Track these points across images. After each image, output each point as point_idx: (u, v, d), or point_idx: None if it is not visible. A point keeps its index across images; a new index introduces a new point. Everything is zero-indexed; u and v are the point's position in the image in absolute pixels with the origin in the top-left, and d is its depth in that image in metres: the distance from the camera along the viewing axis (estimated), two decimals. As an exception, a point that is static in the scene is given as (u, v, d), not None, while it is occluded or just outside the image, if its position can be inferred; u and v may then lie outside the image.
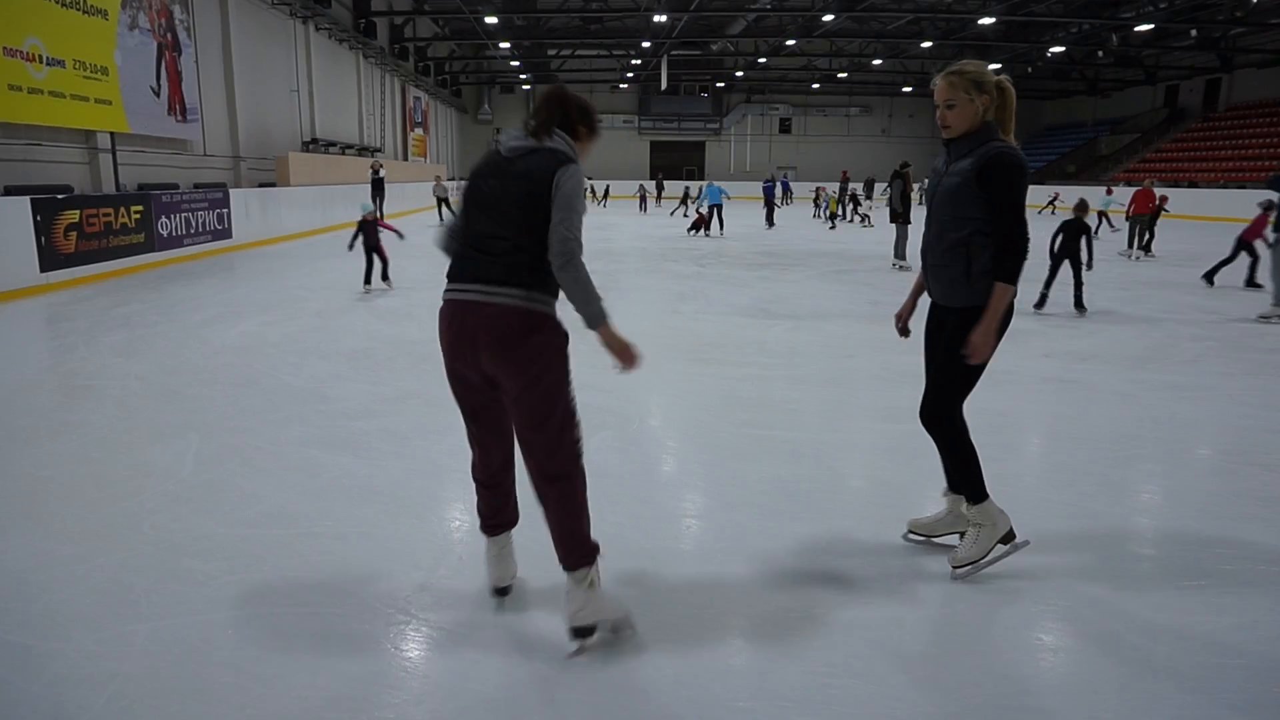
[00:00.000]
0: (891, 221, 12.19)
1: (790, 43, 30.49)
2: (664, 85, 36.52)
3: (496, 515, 2.58)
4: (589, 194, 30.75)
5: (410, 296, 8.75)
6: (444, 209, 20.68)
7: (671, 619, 2.52)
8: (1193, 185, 27.58)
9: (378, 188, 18.97)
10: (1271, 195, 9.03)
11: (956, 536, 2.96)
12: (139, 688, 2.16)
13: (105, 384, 5.24)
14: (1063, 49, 30.59)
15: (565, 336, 2.34)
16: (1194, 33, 28.19)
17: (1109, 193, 19.75)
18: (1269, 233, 9.43)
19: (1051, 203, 28.12)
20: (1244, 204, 21.85)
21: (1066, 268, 7.96)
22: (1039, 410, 4.91)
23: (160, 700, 2.11)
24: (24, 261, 8.86)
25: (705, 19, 29.05)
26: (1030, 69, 35.57)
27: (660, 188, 33.25)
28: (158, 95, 13.39)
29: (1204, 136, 32.12)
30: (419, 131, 33.62)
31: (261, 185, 16.63)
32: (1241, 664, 2.31)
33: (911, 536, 3.05)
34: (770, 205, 21.72)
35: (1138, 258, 13.95)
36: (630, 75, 39.49)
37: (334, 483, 3.59)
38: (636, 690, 2.18)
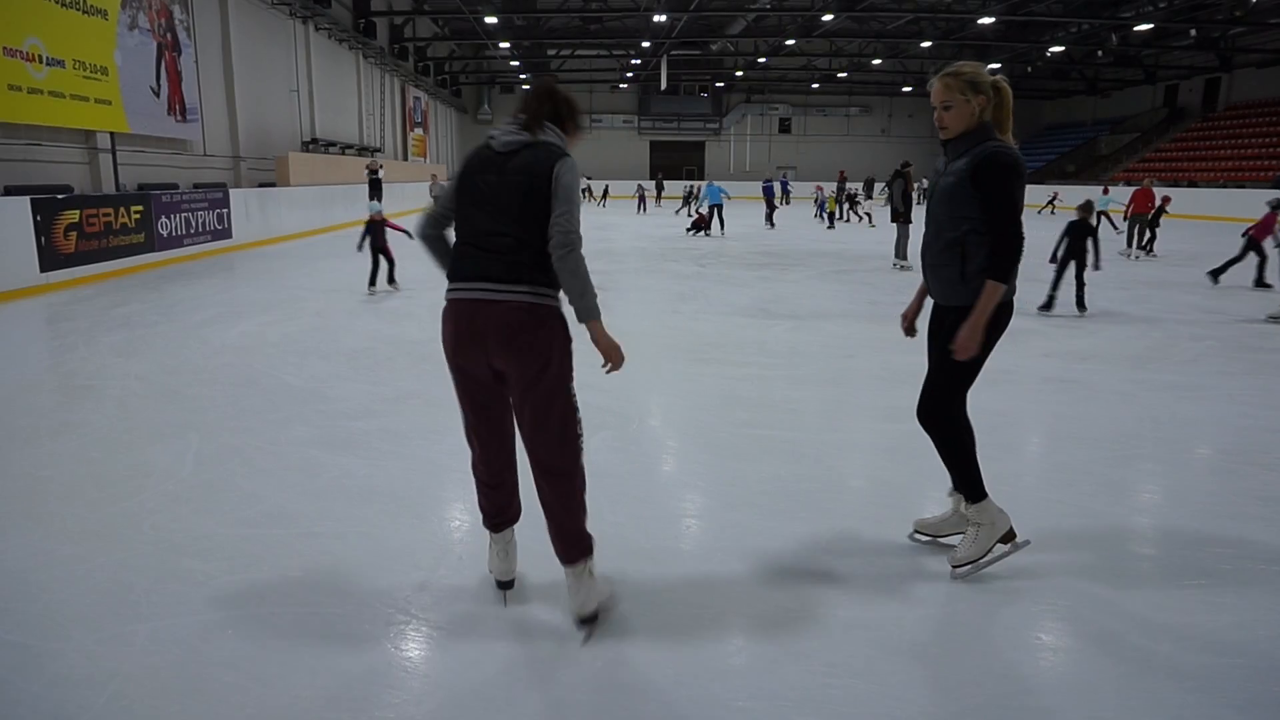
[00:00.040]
0: (893, 221, 12.18)
1: (790, 43, 30.48)
2: (664, 85, 36.51)
3: (501, 512, 2.59)
4: (586, 193, 30.75)
5: (410, 296, 8.75)
6: None
7: (671, 619, 2.52)
8: (1192, 185, 27.59)
9: (375, 188, 18.87)
10: None
11: (960, 536, 2.97)
12: (139, 687, 2.16)
13: (105, 384, 5.24)
14: (1062, 49, 30.60)
15: (568, 331, 2.37)
16: (1193, 32, 28.19)
17: (1105, 192, 19.74)
18: (1279, 231, 9.44)
19: (1051, 202, 28.13)
20: (1244, 204, 21.91)
21: (1071, 267, 7.94)
22: (1039, 410, 4.91)
23: (160, 700, 2.11)
24: (24, 261, 8.86)
25: (705, 19, 29.05)
26: (1030, 69, 35.58)
27: (660, 188, 33.21)
28: (157, 95, 13.39)
29: (1203, 136, 32.12)
30: (419, 131, 33.63)
31: (261, 185, 16.63)
32: (1241, 663, 2.31)
33: (917, 536, 3.05)
34: (770, 205, 21.73)
35: (1137, 257, 13.95)
36: (630, 75, 39.50)
37: (334, 483, 3.59)
38: (637, 690, 2.18)
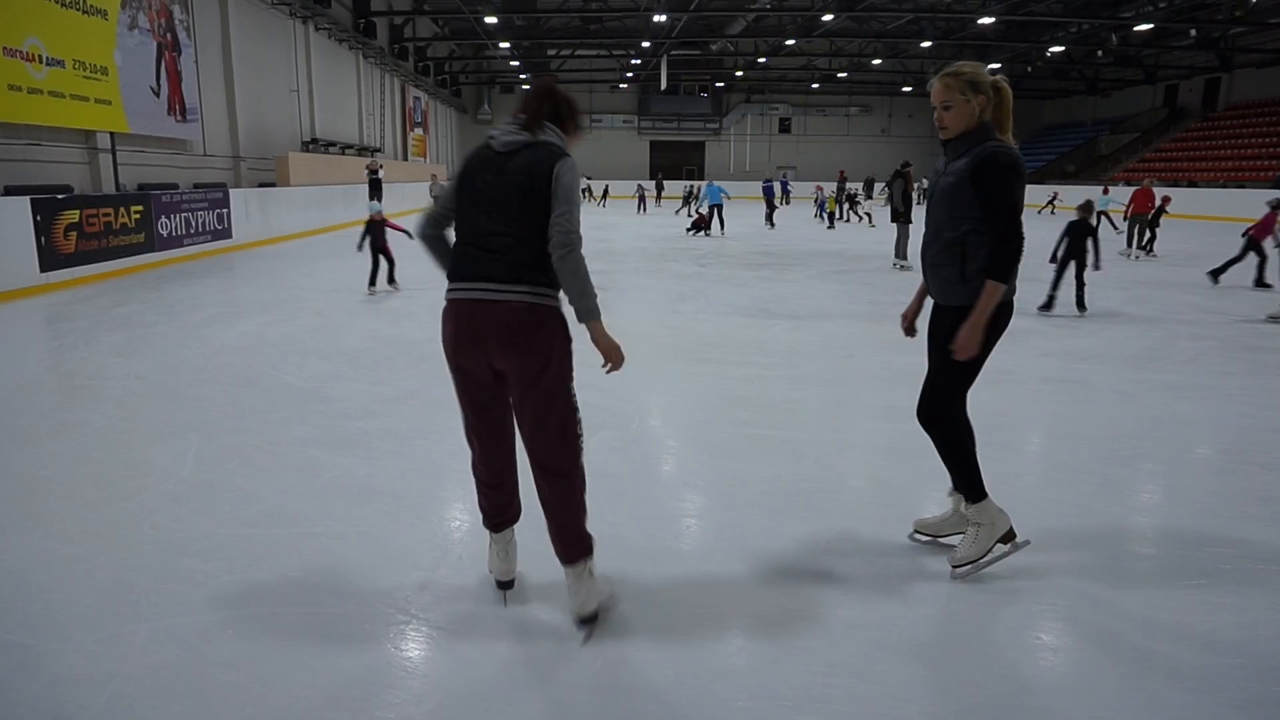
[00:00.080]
0: (893, 221, 12.18)
1: (790, 43, 30.46)
2: (664, 85, 36.50)
3: (501, 512, 2.59)
4: (586, 194, 30.74)
5: (410, 296, 8.74)
6: None
7: (671, 619, 2.52)
8: (1192, 185, 27.59)
9: (375, 188, 18.81)
10: None
11: (960, 536, 2.97)
12: (139, 687, 2.16)
13: (105, 384, 5.24)
14: (1062, 49, 30.59)
15: (568, 331, 2.38)
16: (1193, 32, 28.19)
17: (1105, 192, 19.73)
18: (1279, 231, 9.43)
19: (1051, 202, 28.12)
20: (1244, 204, 21.91)
21: (1071, 267, 7.93)
22: (1039, 410, 4.91)
23: (160, 700, 2.11)
24: (24, 261, 8.86)
25: (705, 19, 29.05)
26: (1030, 69, 35.57)
27: (660, 188, 33.18)
28: (157, 95, 13.39)
29: (1203, 136, 32.12)
30: (419, 131, 33.62)
31: (261, 185, 16.63)
32: (1241, 663, 2.31)
33: (917, 536, 3.05)
34: (770, 205, 21.74)
35: (1137, 257, 13.95)
36: (630, 75, 39.49)
37: (334, 483, 3.59)
38: (637, 690, 2.18)
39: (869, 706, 2.12)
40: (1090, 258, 7.80)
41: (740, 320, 7.74)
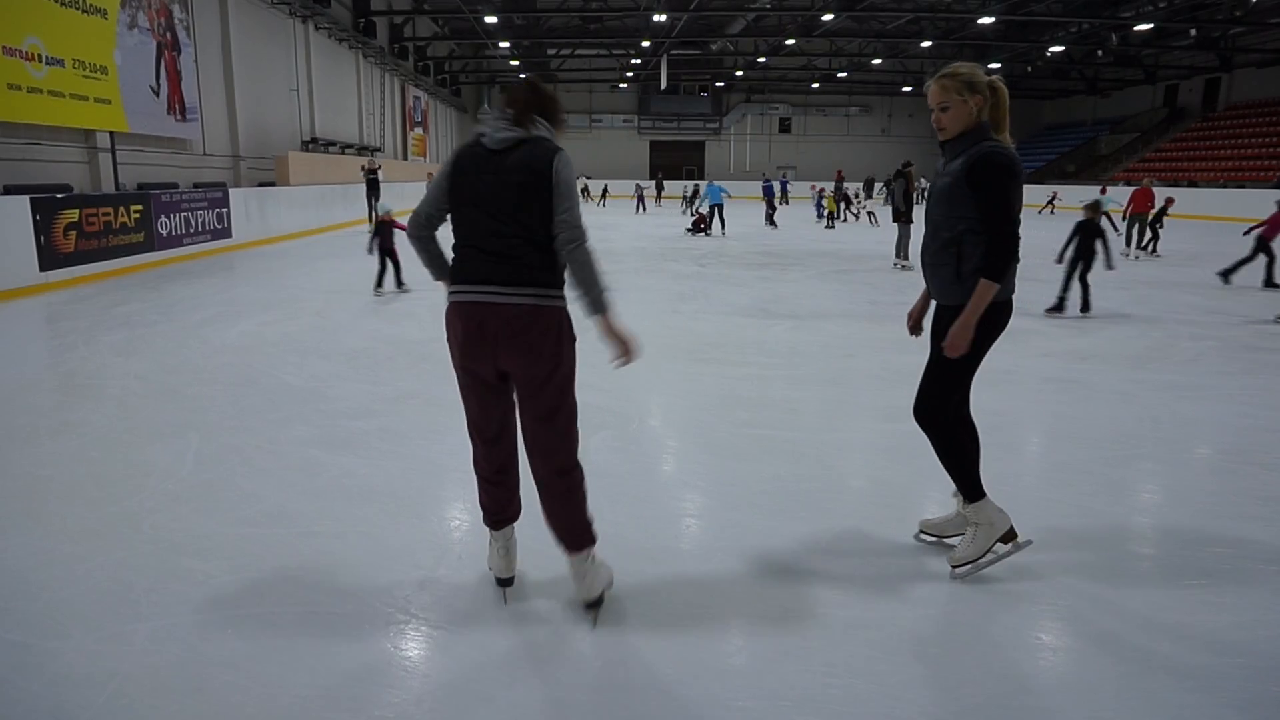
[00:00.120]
0: (894, 221, 12.19)
1: (790, 42, 30.47)
2: (664, 85, 36.49)
3: (502, 510, 2.60)
4: (585, 194, 30.74)
5: (411, 297, 8.74)
6: None
7: (671, 619, 2.52)
8: (1192, 185, 27.60)
9: (373, 188, 18.44)
10: None
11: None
12: (139, 687, 2.16)
13: (105, 383, 5.24)
14: (1062, 48, 30.60)
15: (574, 330, 2.40)
16: (1193, 32, 28.20)
17: (1104, 192, 19.73)
18: None
19: (1050, 202, 28.13)
20: (1244, 203, 21.91)
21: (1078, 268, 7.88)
22: (1039, 410, 4.91)
23: (160, 699, 2.11)
24: (23, 261, 8.86)
25: (705, 18, 29.05)
26: (1030, 68, 35.58)
27: (660, 188, 33.15)
28: (157, 94, 13.39)
29: (1203, 136, 32.12)
30: (419, 131, 33.61)
31: (261, 185, 16.62)
32: (1241, 663, 2.31)
33: (923, 537, 3.06)
34: (771, 205, 21.75)
35: (1137, 257, 13.94)
36: (630, 75, 39.47)
37: (334, 482, 3.59)
38: (637, 689, 2.18)
39: (869, 706, 2.12)
40: (1101, 257, 7.76)
41: (740, 320, 7.74)
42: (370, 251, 8.78)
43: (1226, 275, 9.95)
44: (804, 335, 7.09)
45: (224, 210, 13.60)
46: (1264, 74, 30.50)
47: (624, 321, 2.41)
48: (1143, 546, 3.10)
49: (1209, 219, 23.86)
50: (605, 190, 34.34)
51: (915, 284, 8.65)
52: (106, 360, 5.85)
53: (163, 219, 11.73)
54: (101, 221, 10.24)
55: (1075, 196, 26.35)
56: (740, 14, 28.22)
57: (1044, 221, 22.40)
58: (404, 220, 2.66)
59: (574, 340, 2.39)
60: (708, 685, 2.19)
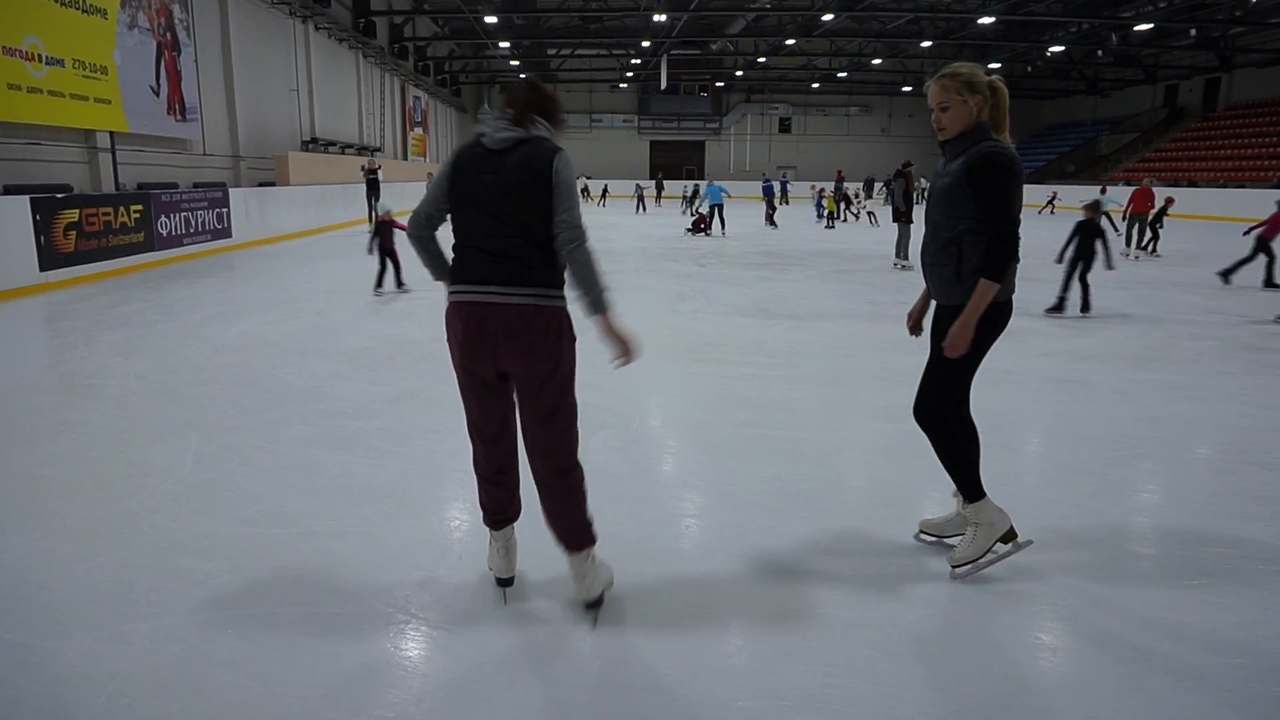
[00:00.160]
0: (894, 221, 12.19)
1: (790, 42, 30.47)
2: (664, 85, 36.48)
3: (502, 510, 2.60)
4: (584, 194, 30.75)
5: (410, 296, 8.74)
6: None
7: (671, 619, 2.52)
8: (1192, 185, 27.60)
9: (373, 188, 18.28)
10: None
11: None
12: (138, 686, 2.16)
13: (105, 383, 5.24)
14: (1062, 48, 30.60)
15: (574, 330, 2.40)
16: (1193, 32, 28.20)
17: (1103, 192, 19.72)
18: None
19: (1050, 202, 28.12)
20: (1244, 203, 21.90)
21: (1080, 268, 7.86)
22: (1039, 410, 4.91)
23: (160, 699, 2.11)
24: (23, 261, 8.85)
25: (705, 18, 29.05)
26: (1030, 68, 35.58)
27: (660, 187, 33.11)
28: (157, 94, 13.39)
29: (1203, 136, 32.12)
30: (419, 131, 33.61)
31: (261, 185, 16.62)
32: (1241, 662, 2.31)
33: (923, 537, 3.05)
34: (771, 205, 21.75)
35: (1137, 257, 13.94)
36: (630, 75, 39.46)
37: (334, 482, 3.59)
38: (637, 689, 2.18)
39: (869, 706, 2.12)
40: (1101, 257, 7.76)
41: (740, 320, 7.74)
42: (370, 252, 8.76)
43: (1227, 275, 9.94)
44: (804, 335, 7.09)
45: (224, 210, 13.60)
46: (1264, 74, 30.50)
47: (624, 321, 2.41)
48: (1143, 546, 3.10)
49: (1209, 219, 23.86)
50: (605, 190, 34.28)
51: (915, 284, 8.64)
52: (106, 360, 5.85)
53: (163, 219, 11.73)
54: (101, 221, 10.24)
55: (1075, 196, 26.35)
56: (740, 14, 28.22)
57: (1044, 221, 22.39)
58: (404, 220, 2.66)
59: (574, 340, 2.40)
60: (708, 685, 2.19)
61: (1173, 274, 11.77)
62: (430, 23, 31.79)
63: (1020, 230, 2.59)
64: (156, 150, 13.73)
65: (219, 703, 2.10)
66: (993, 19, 25.32)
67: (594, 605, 2.52)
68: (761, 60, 35.67)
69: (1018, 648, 2.40)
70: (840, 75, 38.46)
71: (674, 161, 44.33)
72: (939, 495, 3.26)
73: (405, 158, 31.05)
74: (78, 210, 9.76)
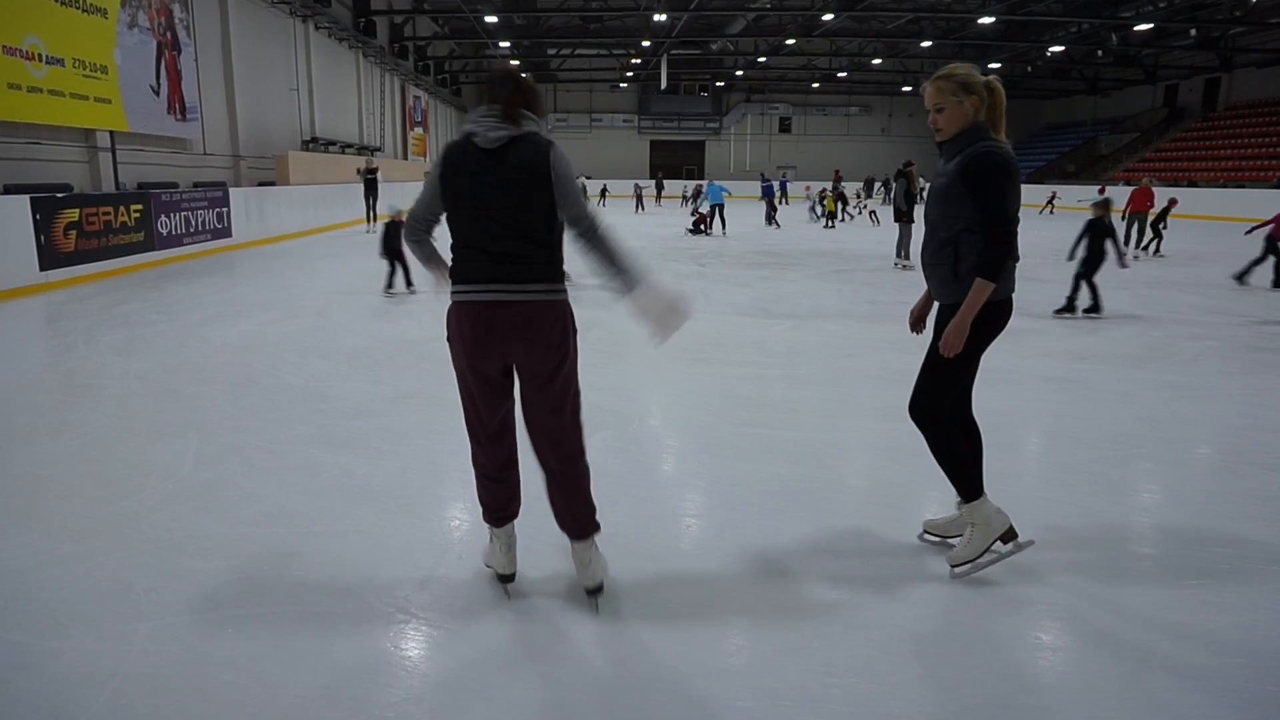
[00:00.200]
0: (895, 221, 12.20)
1: (790, 42, 30.48)
2: (664, 85, 36.50)
3: (504, 507, 2.61)
4: (582, 194, 30.72)
5: (410, 296, 8.74)
6: None
7: (671, 618, 2.52)
8: (1192, 185, 27.59)
9: (371, 189, 17.96)
10: None
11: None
12: (138, 686, 2.16)
13: (105, 383, 5.24)
14: (1062, 48, 30.60)
15: (576, 322, 2.45)
16: (1193, 32, 28.20)
17: (1102, 191, 19.71)
18: None
19: (1050, 202, 28.12)
20: (1244, 203, 21.90)
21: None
22: (1039, 410, 4.90)
23: (160, 699, 2.11)
24: (23, 260, 8.85)
25: (705, 18, 29.05)
26: (1030, 68, 35.58)
27: (660, 187, 33.05)
28: (157, 94, 13.39)
29: (1203, 136, 32.12)
30: (419, 130, 33.61)
31: (261, 184, 16.62)
32: (1241, 662, 2.31)
33: (926, 537, 3.05)
34: (771, 205, 21.76)
35: (1136, 257, 13.93)
36: (630, 75, 39.48)
37: (334, 482, 3.59)
38: (637, 689, 2.18)
39: (869, 706, 2.12)
40: (1112, 255, 7.71)
41: (740, 320, 7.74)
42: (381, 254, 8.66)
43: (1241, 277, 9.95)
44: (804, 335, 7.09)
45: (224, 210, 13.60)
46: (1264, 74, 30.49)
47: (617, 325, 2.44)
48: (1143, 546, 3.10)
49: (1209, 219, 23.84)
50: (604, 190, 34.21)
51: (915, 283, 8.64)
52: (106, 360, 5.85)
53: (163, 218, 11.73)
54: (101, 221, 10.24)
55: (1075, 196, 26.36)
56: (740, 14, 28.22)
57: (1044, 221, 22.40)
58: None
59: (576, 332, 2.44)
60: (708, 684, 2.19)
61: (1173, 274, 11.77)
62: (430, 22, 31.78)
63: (1019, 230, 2.59)
64: (156, 150, 13.73)
65: (219, 703, 2.10)
66: (993, 19, 25.33)
67: (596, 592, 2.56)
68: (761, 60, 35.67)
69: (1018, 648, 2.40)
70: (840, 75, 38.46)
71: (674, 161, 44.32)
72: (939, 495, 3.26)
73: (405, 157, 31.05)
74: (78, 210, 9.76)
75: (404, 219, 2.50)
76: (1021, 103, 42.21)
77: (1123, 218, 14.48)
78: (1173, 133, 34.38)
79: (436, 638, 2.43)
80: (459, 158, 2.32)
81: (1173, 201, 14.82)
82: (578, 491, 2.52)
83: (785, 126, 46.53)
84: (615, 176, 38.00)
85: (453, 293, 2.36)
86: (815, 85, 41.98)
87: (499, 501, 2.59)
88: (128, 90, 12.39)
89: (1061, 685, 2.22)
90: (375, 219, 17.00)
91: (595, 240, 2.30)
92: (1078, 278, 7.86)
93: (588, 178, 32.60)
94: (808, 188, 26.42)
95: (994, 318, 2.65)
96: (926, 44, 29.38)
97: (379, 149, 26.96)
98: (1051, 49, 30.78)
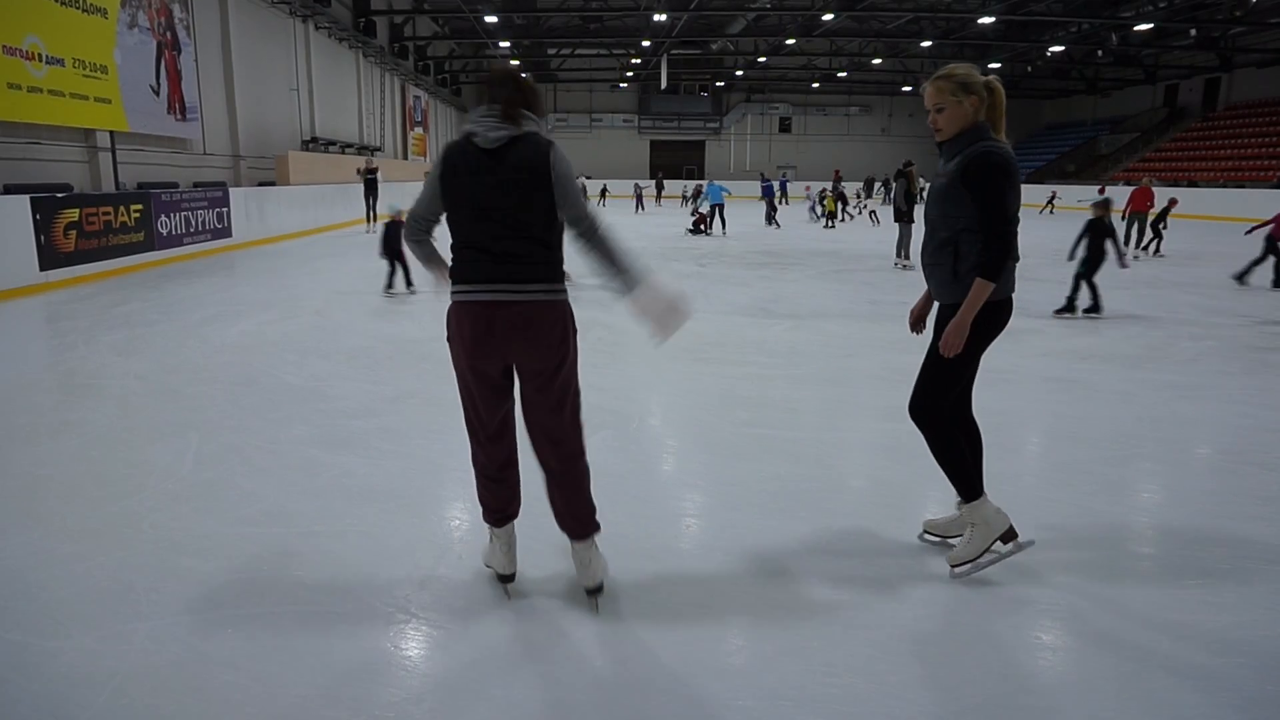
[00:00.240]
0: (895, 221, 12.20)
1: (790, 42, 30.47)
2: (664, 84, 36.50)
3: (504, 507, 2.61)
4: (582, 194, 30.74)
5: (411, 296, 8.74)
6: None
7: (671, 618, 2.52)
8: (1192, 185, 27.59)
9: (371, 189, 17.84)
10: None
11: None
12: (138, 686, 2.16)
13: (105, 383, 5.24)
14: (1062, 48, 30.60)
15: (575, 321, 2.45)
16: (1193, 32, 28.19)
17: (1101, 191, 19.71)
18: None
19: (1050, 202, 28.12)
20: (1244, 203, 21.90)
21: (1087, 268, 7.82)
22: (1039, 410, 4.90)
23: (160, 699, 2.11)
24: (23, 260, 8.85)
25: (705, 18, 29.06)
26: (1030, 68, 35.58)
27: (660, 187, 33.03)
28: (157, 94, 13.39)
29: (1203, 136, 32.11)
30: (419, 130, 33.61)
31: (261, 184, 16.62)
32: (1241, 662, 2.31)
33: (927, 537, 3.05)
34: (771, 205, 21.77)
35: (1136, 257, 13.93)
36: (630, 75, 39.47)
37: (334, 482, 3.59)
38: (637, 689, 2.18)
39: (869, 706, 2.12)
40: (1113, 255, 7.70)
41: (740, 320, 7.74)
42: (381, 255, 8.67)
43: (1241, 277, 9.95)
44: (804, 335, 7.09)
45: (224, 210, 13.60)
46: (1264, 74, 30.49)
47: (617, 325, 2.44)
48: (1143, 546, 3.10)
49: (1209, 219, 23.83)
50: (604, 190, 34.15)
51: (915, 283, 8.65)
52: (106, 360, 5.85)
53: (163, 218, 11.73)
54: (101, 221, 10.24)
55: (1075, 196, 26.36)
56: (740, 14, 28.22)
57: (1043, 221, 22.40)
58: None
59: (576, 332, 2.45)
60: (708, 684, 2.19)
61: (1173, 274, 11.77)
62: (430, 22, 31.78)
63: (1019, 230, 2.59)
64: (156, 150, 13.73)
65: (219, 702, 2.10)
66: (993, 19, 25.33)
67: (596, 591, 2.56)
68: (761, 60, 35.67)
69: (1018, 648, 2.40)
70: (840, 75, 38.45)
71: (674, 161, 44.32)
72: (939, 495, 3.26)
73: (405, 157, 31.05)
74: (78, 210, 9.76)
75: (404, 219, 2.49)
76: (1021, 103, 42.21)
77: (1123, 218, 14.48)
78: (1173, 133, 34.38)
79: (436, 637, 2.43)
80: (459, 158, 2.31)
81: (1173, 201, 14.81)
82: (578, 491, 2.52)
83: (785, 126, 46.52)
84: (615, 176, 37.98)
85: (453, 293, 2.36)
86: (815, 85, 41.97)
87: (499, 501, 2.59)
88: (128, 90, 12.39)
89: (1061, 685, 2.22)
90: (375, 219, 17.00)
91: (595, 240, 2.30)
92: (1078, 278, 7.86)
93: (588, 178, 32.60)
94: (808, 188, 26.47)
95: (994, 318, 2.65)
96: (926, 44, 29.38)
97: (379, 149, 26.96)
98: (1051, 49, 30.79)
